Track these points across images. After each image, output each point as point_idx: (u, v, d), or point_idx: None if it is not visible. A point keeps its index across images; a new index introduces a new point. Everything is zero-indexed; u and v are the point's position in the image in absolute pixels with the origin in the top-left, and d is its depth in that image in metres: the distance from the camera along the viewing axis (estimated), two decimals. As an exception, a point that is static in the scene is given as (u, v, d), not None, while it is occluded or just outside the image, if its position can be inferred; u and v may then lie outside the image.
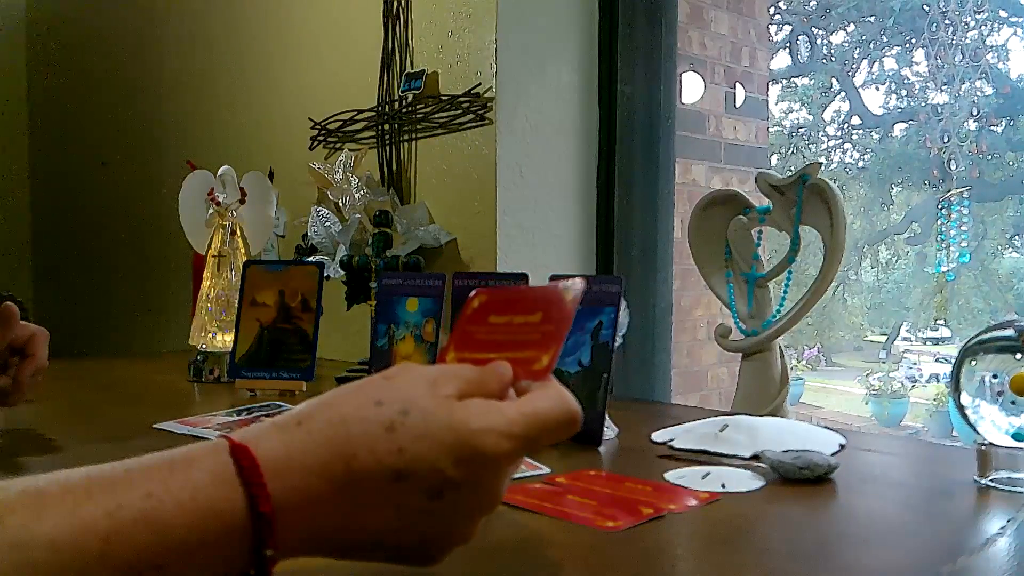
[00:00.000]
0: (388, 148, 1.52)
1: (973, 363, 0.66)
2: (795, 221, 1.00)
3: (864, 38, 7.18)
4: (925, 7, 6.51)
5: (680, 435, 0.77)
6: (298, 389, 1.10)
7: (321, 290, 1.13)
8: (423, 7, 1.47)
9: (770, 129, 2.56)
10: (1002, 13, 6.67)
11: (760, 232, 1.09)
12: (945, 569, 0.47)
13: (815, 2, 7.15)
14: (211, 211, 1.28)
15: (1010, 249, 7.30)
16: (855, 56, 7.27)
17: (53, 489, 0.33)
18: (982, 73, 6.44)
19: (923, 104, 6.90)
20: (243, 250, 1.28)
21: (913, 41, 6.84)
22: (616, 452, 0.78)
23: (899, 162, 7.12)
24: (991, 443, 0.64)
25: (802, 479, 0.66)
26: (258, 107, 1.88)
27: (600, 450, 0.78)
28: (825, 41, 7.37)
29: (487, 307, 0.46)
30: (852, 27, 7.20)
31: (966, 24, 6.56)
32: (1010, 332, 0.65)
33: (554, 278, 0.76)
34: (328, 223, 1.40)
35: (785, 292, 1.04)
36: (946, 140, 6.43)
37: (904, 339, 8.03)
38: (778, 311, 1.03)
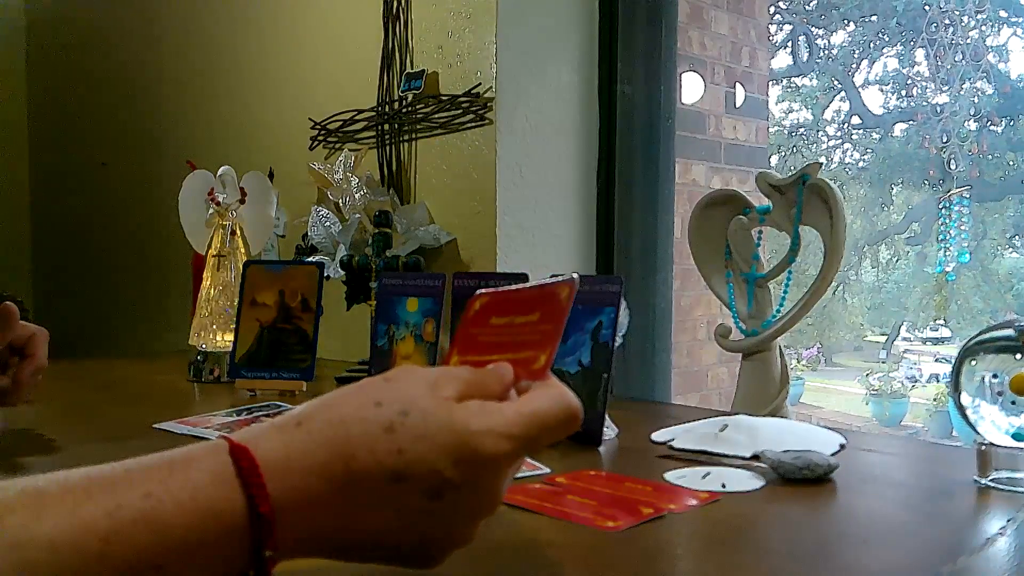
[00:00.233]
0: (388, 148, 1.52)
1: (973, 363, 0.66)
2: (795, 221, 1.00)
3: (864, 38, 7.18)
4: (926, 7, 6.52)
5: (680, 435, 0.77)
6: (298, 389, 1.10)
7: (321, 290, 1.13)
8: (423, 7, 1.47)
9: (770, 129, 2.56)
10: (1002, 13, 6.67)
11: (760, 232, 1.09)
12: (945, 569, 0.47)
13: (815, 2, 7.15)
14: (211, 211, 1.28)
15: (1010, 249, 7.30)
16: (855, 56, 7.27)
17: (53, 489, 0.33)
18: (982, 73, 6.44)
19: (923, 104, 6.90)
20: (243, 250, 1.28)
21: (913, 41, 6.85)
22: (616, 452, 0.78)
23: (899, 162, 7.13)
24: (991, 443, 0.64)
25: (802, 479, 0.66)
26: (258, 107, 1.88)
27: (600, 450, 0.78)
28: (825, 41, 7.38)
29: (488, 309, 0.46)
30: (852, 27, 7.20)
31: (966, 24, 6.56)
32: (1010, 332, 0.65)
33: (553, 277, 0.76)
34: (328, 223, 1.40)
35: (785, 292, 1.04)
36: (946, 140, 6.43)
37: (904, 339, 8.04)
38: (778, 311, 1.03)
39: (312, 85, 1.71)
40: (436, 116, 1.42)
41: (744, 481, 0.65)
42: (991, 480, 0.64)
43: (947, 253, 5.99)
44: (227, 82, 1.98)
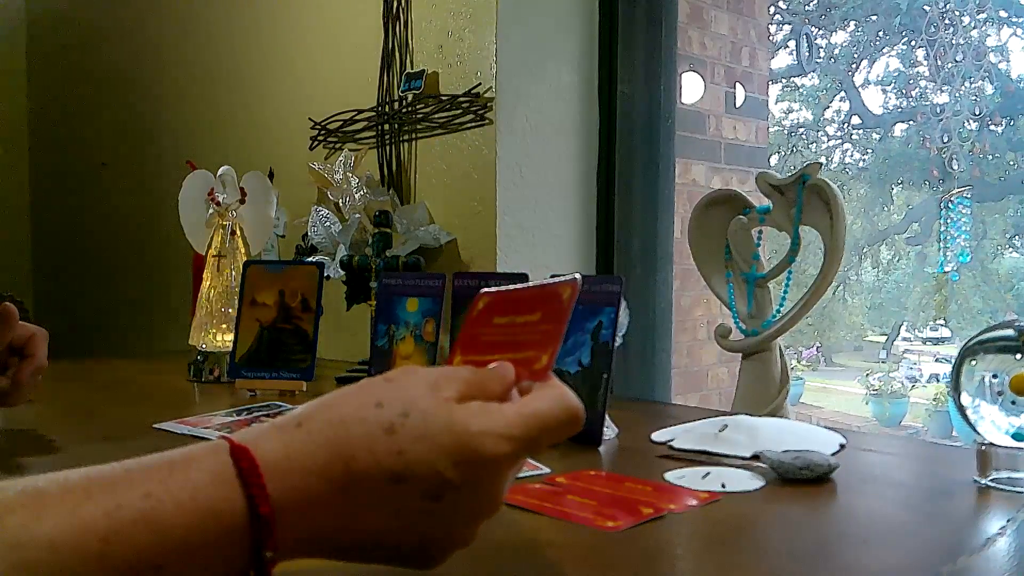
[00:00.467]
0: (388, 148, 1.52)
1: (973, 363, 0.66)
2: (795, 221, 1.00)
3: (864, 38, 7.18)
4: (926, 7, 6.52)
5: (680, 435, 0.77)
6: (298, 389, 1.10)
7: (321, 290, 1.13)
8: (423, 7, 1.47)
9: (770, 129, 2.56)
10: (1002, 13, 6.67)
11: (760, 232, 1.09)
12: (945, 569, 0.47)
13: (815, 2, 7.15)
14: (211, 211, 1.28)
15: (1010, 249, 7.30)
16: (855, 56, 7.27)
17: (53, 489, 0.33)
18: (983, 73, 6.44)
19: (924, 104, 6.90)
20: (243, 250, 1.28)
21: (914, 41, 6.85)
22: (616, 452, 0.78)
23: (899, 162, 7.13)
24: (991, 443, 0.64)
25: (802, 479, 0.66)
26: (258, 107, 1.88)
27: (600, 450, 0.78)
28: (825, 41, 7.38)
29: (491, 309, 0.45)
30: (852, 27, 7.20)
31: (966, 24, 6.56)
32: (1010, 332, 0.65)
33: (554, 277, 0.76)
34: (328, 223, 1.40)
35: (785, 292, 1.04)
36: (947, 140, 6.43)
37: (904, 339, 8.04)
38: (778, 311, 1.03)
39: (312, 85, 1.71)
40: (436, 116, 1.42)
41: (744, 481, 0.65)
42: (991, 480, 0.64)
43: (947, 253, 5.99)
44: (227, 82, 1.98)
